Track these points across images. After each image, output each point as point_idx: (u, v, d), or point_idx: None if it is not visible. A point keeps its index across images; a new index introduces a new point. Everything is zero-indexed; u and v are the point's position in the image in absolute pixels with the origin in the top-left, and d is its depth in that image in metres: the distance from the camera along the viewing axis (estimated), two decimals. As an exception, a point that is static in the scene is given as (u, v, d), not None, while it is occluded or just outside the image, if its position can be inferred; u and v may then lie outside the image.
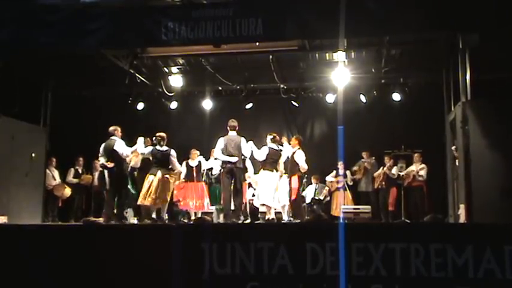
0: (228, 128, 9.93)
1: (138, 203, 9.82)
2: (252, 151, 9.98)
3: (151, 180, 9.60)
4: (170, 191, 9.92)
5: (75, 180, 12.68)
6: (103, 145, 9.68)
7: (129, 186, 10.58)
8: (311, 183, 12.74)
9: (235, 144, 9.74)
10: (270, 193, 9.76)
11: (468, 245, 5.93)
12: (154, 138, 9.91)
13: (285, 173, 10.32)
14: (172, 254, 6.37)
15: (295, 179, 10.28)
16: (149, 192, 9.53)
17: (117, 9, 9.05)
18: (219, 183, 11.07)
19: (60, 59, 10.72)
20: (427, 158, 11.82)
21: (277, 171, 9.93)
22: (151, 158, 9.91)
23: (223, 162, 9.76)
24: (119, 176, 9.63)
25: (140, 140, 9.97)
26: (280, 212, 10.34)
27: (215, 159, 10.05)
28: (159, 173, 9.62)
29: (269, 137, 10.04)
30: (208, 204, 11.43)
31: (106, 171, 9.66)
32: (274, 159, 9.91)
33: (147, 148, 9.97)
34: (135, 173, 10.88)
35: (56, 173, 12.46)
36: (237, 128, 9.94)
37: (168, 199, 9.93)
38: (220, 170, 10.34)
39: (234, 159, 9.65)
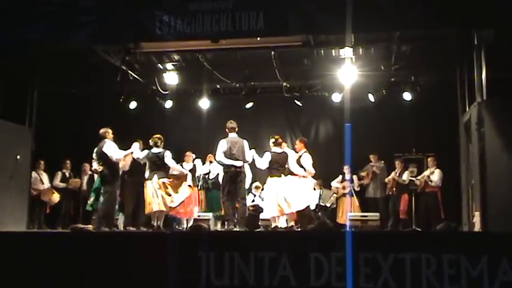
0: (227, 130, 9.91)
1: (146, 212, 9.86)
2: (254, 159, 9.94)
3: (150, 186, 9.68)
4: (174, 195, 9.92)
5: (63, 185, 12.69)
6: (95, 149, 9.73)
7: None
8: (314, 189, 12.74)
9: (239, 147, 9.72)
10: (281, 201, 9.65)
11: (483, 256, 5.97)
12: (151, 140, 9.92)
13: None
14: (168, 263, 6.40)
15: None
16: (152, 198, 9.58)
17: (108, 1, 9.07)
18: (216, 188, 11.08)
19: (46, 55, 10.72)
20: (440, 161, 11.82)
21: (285, 175, 9.84)
22: (147, 162, 9.93)
23: (227, 166, 9.71)
24: (110, 180, 9.65)
25: (135, 145, 10.01)
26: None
27: (218, 162, 9.94)
28: (155, 177, 9.66)
29: (271, 141, 9.99)
30: (197, 211, 11.40)
31: (96, 176, 9.70)
32: (279, 163, 9.81)
33: (142, 152, 9.98)
34: (126, 176, 10.91)
35: (45, 177, 12.47)
36: (237, 130, 9.95)
37: (172, 204, 9.92)
38: (217, 174, 10.34)
39: (239, 163, 9.63)
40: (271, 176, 9.77)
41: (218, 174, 11.25)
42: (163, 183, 9.74)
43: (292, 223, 9.89)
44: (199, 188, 11.79)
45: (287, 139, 12.99)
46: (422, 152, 12.26)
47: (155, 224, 9.77)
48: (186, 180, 10.37)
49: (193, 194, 11.35)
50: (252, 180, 11.56)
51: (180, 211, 10.89)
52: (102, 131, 9.81)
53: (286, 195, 9.65)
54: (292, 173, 10.04)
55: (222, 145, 9.69)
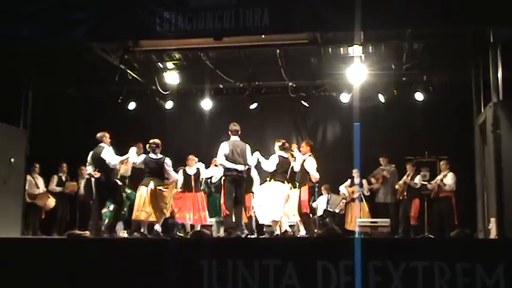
0: (230, 132, 9.86)
1: (133, 217, 9.82)
2: (259, 162, 9.92)
3: (144, 191, 9.63)
4: (168, 202, 9.90)
5: (59, 189, 12.68)
6: (91, 153, 9.73)
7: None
8: (321, 194, 12.72)
9: (241, 151, 9.69)
10: (281, 206, 9.63)
11: (499, 264, 5.94)
12: (148, 145, 9.91)
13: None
14: (168, 271, 6.39)
15: (305, 190, 10.20)
16: (143, 205, 9.54)
17: (106, -3, 9.08)
18: (219, 192, 11.08)
19: (41, 54, 10.74)
20: (454, 165, 11.78)
21: (288, 182, 9.79)
22: (143, 167, 9.92)
23: (228, 169, 9.68)
24: (106, 186, 9.65)
25: (132, 149, 10.02)
26: (293, 225, 10.30)
27: (220, 165, 9.93)
28: (152, 184, 9.63)
29: (277, 144, 9.95)
30: (206, 217, 11.41)
31: (93, 180, 9.70)
32: (284, 168, 9.79)
33: (139, 157, 9.97)
34: (126, 181, 10.93)
35: (40, 181, 12.48)
36: (239, 133, 9.92)
37: (167, 212, 9.93)
38: (221, 178, 10.32)
39: (240, 167, 9.61)
40: (274, 180, 9.72)
41: (222, 177, 11.24)
42: (160, 190, 9.70)
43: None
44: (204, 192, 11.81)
45: (293, 141, 12.95)
46: (435, 155, 12.22)
47: (144, 231, 9.74)
48: (176, 188, 10.29)
49: (198, 199, 11.36)
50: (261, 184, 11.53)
51: (187, 216, 10.91)
52: (99, 135, 9.79)
53: (278, 202, 9.63)
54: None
55: (224, 148, 9.67)
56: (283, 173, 9.80)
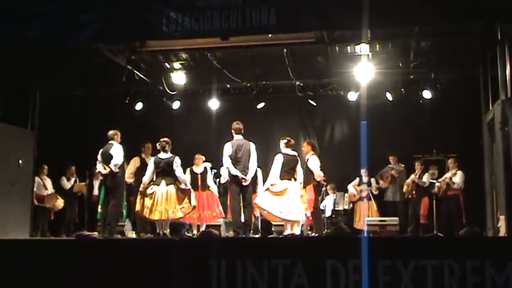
0: (233, 131, 9.83)
1: (148, 218, 9.80)
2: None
3: (155, 191, 9.64)
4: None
5: (69, 185, 12.78)
6: (101, 150, 9.76)
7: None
8: (328, 194, 12.71)
9: (245, 150, 9.66)
10: (291, 205, 9.62)
11: (509, 262, 5.92)
12: (158, 144, 9.91)
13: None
14: (176, 271, 6.40)
15: (310, 189, 10.18)
16: (156, 204, 9.55)
17: (112, -2, 9.10)
18: (227, 193, 11.10)
19: (49, 55, 10.77)
20: (462, 163, 11.75)
21: (295, 179, 9.78)
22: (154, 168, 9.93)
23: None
24: (114, 183, 9.68)
25: (136, 161, 10.37)
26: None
27: (227, 168, 9.91)
28: (163, 183, 9.64)
29: (283, 142, 9.91)
30: (209, 216, 11.38)
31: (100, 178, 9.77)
32: (290, 166, 9.73)
33: (149, 164, 9.95)
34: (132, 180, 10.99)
35: (49, 182, 12.55)
36: (243, 131, 9.89)
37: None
38: (227, 180, 10.31)
39: (244, 174, 9.58)
40: (281, 178, 9.67)
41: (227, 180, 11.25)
42: (172, 188, 9.69)
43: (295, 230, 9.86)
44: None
45: (300, 141, 12.95)
46: (443, 153, 12.20)
47: (160, 232, 9.75)
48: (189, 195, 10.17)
49: (204, 198, 11.36)
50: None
51: (193, 216, 10.89)
52: (111, 132, 9.83)
53: (292, 201, 9.59)
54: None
55: (227, 149, 9.64)
56: (290, 170, 9.74)
